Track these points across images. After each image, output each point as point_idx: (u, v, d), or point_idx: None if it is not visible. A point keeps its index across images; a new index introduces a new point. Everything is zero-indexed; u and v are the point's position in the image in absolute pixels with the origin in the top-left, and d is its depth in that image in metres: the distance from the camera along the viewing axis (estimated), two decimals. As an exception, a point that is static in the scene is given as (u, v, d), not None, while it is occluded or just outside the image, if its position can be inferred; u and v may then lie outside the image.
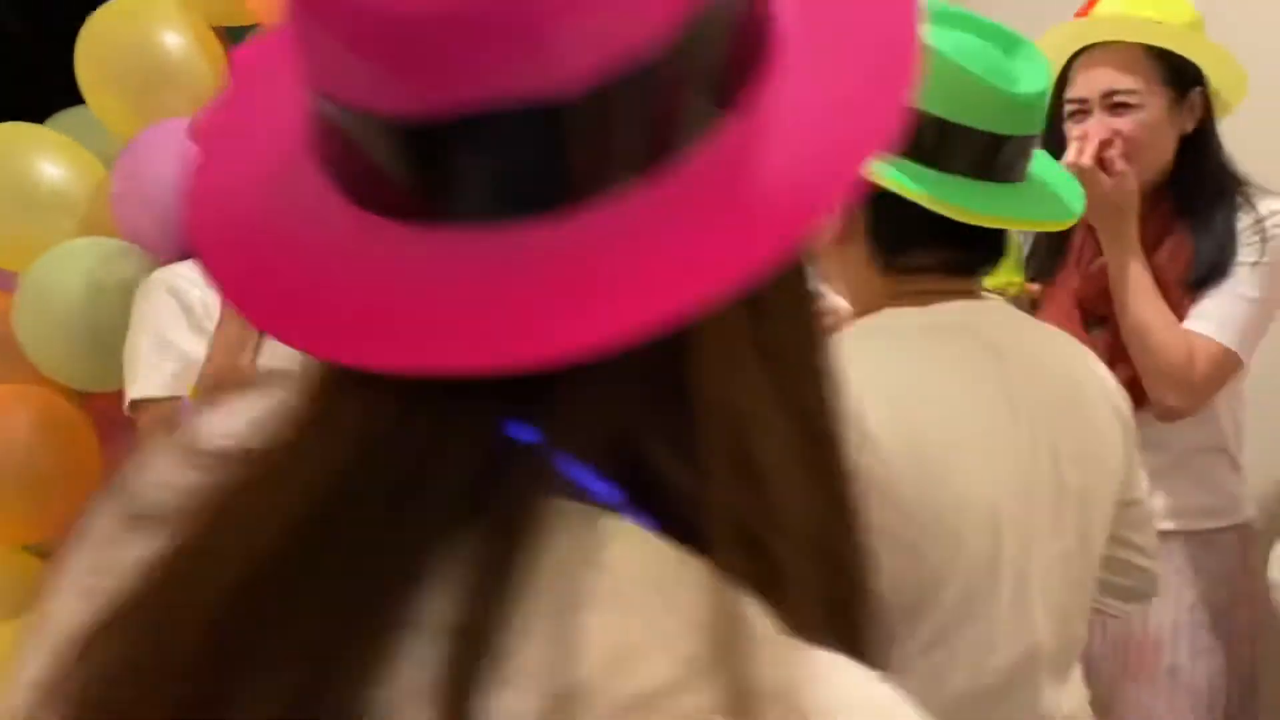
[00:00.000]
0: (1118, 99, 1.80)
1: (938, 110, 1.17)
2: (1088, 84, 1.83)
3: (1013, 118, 1.18)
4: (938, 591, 1.16)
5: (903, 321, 1.22)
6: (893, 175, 1.17)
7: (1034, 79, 1.19)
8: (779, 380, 0.48)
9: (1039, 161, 1.27)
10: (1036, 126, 1.22)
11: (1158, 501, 1.89)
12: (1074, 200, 1.29)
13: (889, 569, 1.13)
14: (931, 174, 1.17)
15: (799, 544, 0.46)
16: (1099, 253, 1.86)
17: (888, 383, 1.16)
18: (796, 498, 0.47)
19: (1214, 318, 1.80)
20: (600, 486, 0.44)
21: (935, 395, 1.19)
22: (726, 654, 0.40)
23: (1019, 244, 1.87)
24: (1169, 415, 1.81)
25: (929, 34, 1.17)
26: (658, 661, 0.41)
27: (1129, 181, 1.76)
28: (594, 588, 0.42)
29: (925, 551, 1.16)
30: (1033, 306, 1.90)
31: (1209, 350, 1.79)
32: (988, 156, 1.19)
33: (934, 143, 1.17)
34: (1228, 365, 1.81)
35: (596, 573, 0.42)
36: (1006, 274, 1.84)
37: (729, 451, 0.45)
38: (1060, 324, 1.87)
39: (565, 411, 0.43)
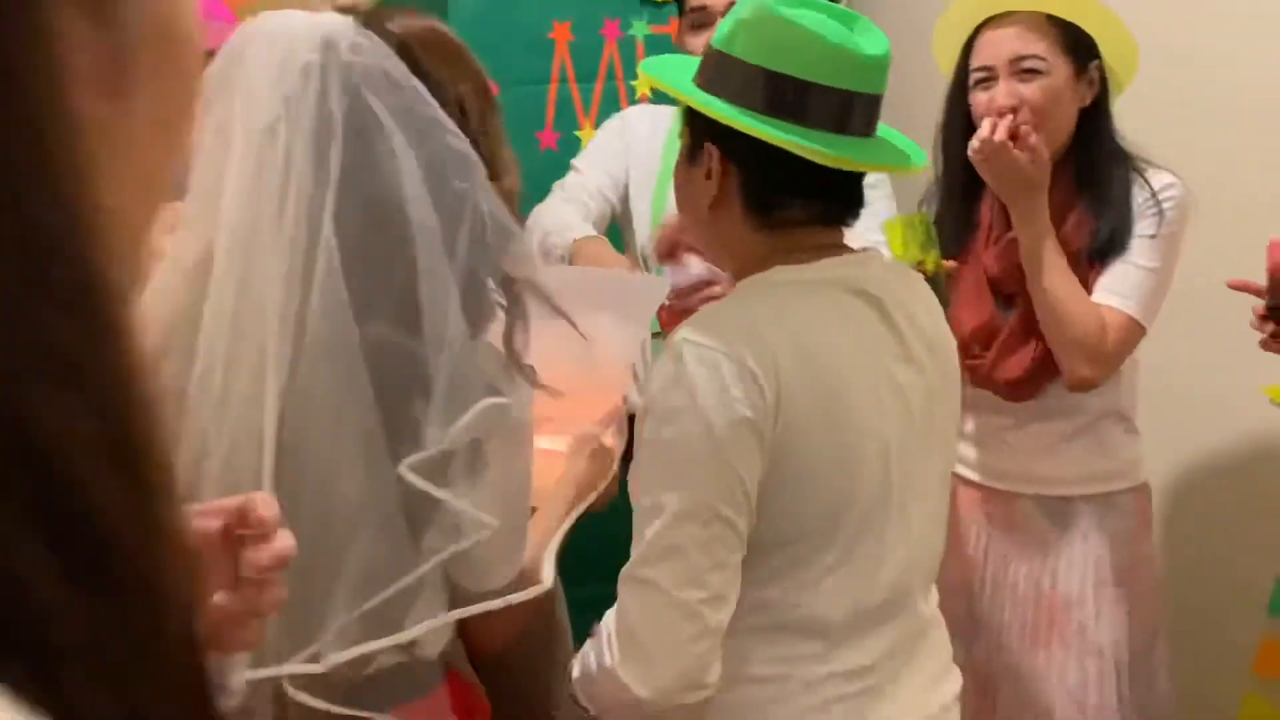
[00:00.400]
0: (1025, 65, 1.83)
1: (798, 72, 1.27)
2: (994, 52, 1.86)
3: (863, 76, 1.28)
4: (840, 519, 1.29)
5: (795, 276, 1.30)
6: (762, 128, 1.26)
7: (876, 45, 1.30)
8: None
9: (881, 127, 1.37)
10: (882, 86, 1.32)
11: (1063, 469, 1.96)
12: (915, 154, 1.39)
13: (803, 505, 1.26)
14: (795, 128, 1.26)
15: None
16: (1007, 228, 1.91)
17: (794, 333, 1.26)
18: None
19: (1120, 290, 1.86)
20: None
21: (832, 344, 1.28)
22: None
23: (929, 221, 1.92)
24: (1083, 385, 1.87)
25: (783, 12, 1.27)
26: None
27: (1042, 156, 1.79)
28: None
29: (832, 486, 1.28)
30: (947, 282, 1.95)
31: (1118, 322, 1.84)
32: (843, 112, 1.28)
33: (795, 101, 1.27)
34: (1136, 335, 1.87)
35: None
36: (920, 251, 1.89)
37: None
38: (973, 303, 1.95)
39: None
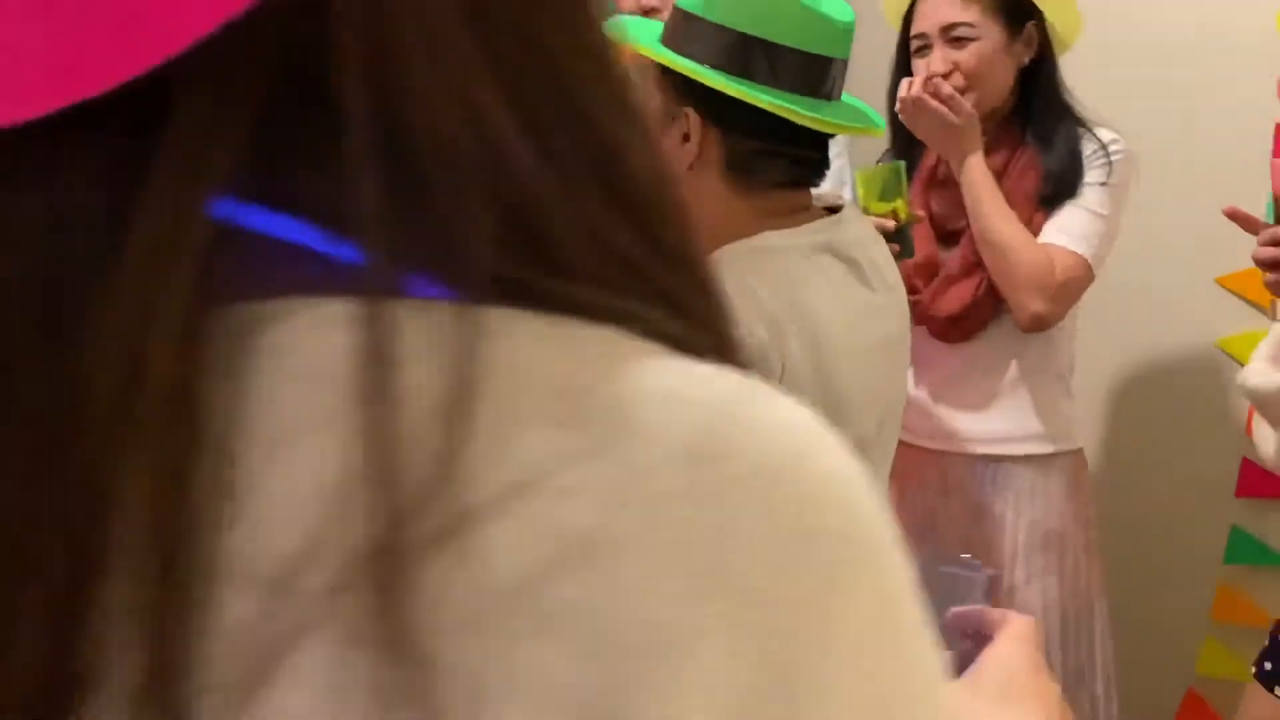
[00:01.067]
0: (956, 33, 1.89)
1: (776, 37, 1.28)
2: (929, 20, 1.92)
3: (836, 42, 1.31)
4: None
5: (784, 242, 1.32)
6: (745, 90, 1.27)
7: (845, 11, 1.33)
8: (503, 57, 0.33)
9: None
10: (849, 51, 1.35)
11: (994, 425, 1.98)
12: (874, 116, 1.43)
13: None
14: (773, 92, 1.28)
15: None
16: (949, 171, 1.95)
17: (794, 304, 1.28)
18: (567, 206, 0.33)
19: (1068, 231, 1.89)
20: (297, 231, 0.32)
21: (824, 314, 1.30)
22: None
23: (900, 170, 1.92)
24: (1036, 324, 1.89)
25: None
26: None
27: (960, 104, 1.84)
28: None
29: None
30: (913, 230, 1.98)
31: (1066, 260, 1.87)
32: (818, 76, 1.30)
33: (772, 65, 1.28)
34: (1084, 275, 1.89)
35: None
36: (888, 200, 1.91)
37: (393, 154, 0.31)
38: (921, 244, 1.98)
39: (194, 130, 0.30)
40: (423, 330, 0.30)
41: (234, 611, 0.28)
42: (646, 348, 0.32)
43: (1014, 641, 0.69)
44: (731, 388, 0.32)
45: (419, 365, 0.29)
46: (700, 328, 0.36)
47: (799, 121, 1.26)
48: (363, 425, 0.28)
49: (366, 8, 0.31)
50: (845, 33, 1.32)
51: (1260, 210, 1.70)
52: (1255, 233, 1.63)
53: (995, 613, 0.71)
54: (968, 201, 1.90)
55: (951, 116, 1.84)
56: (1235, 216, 1.67)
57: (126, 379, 0.29)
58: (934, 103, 1.84)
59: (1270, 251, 1.61)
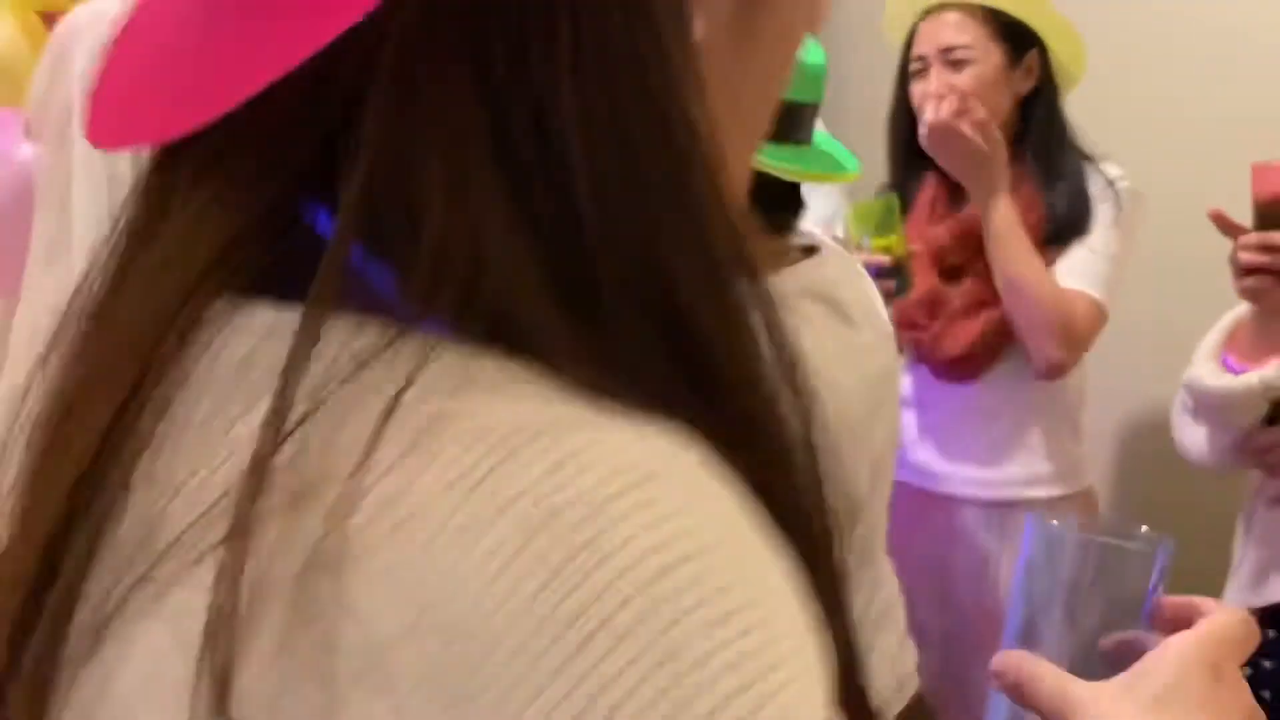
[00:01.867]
0: (954, 55, 1.85)
1: None
2: (928, 41, 1.89)
3: (810, 86, 1.27)
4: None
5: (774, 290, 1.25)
6: None
7: (816, 54, 1.28)
8: (602, 90, 0.34)
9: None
10: (821, 95, 1.30)
11: (1004, 471, 1.92)
12: (846, 160, 1.37)
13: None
14: None
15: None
16: (949, 205, 1.91)
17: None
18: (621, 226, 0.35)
19: (1082, 273, 1.83)
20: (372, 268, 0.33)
21: (809, 358, 1.22)
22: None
23: (892, 205, 1.86)
24: (1053, 371, 1.83)
25: None
26: None
27: (991, 131, 1.77)
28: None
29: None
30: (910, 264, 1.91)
31: (1083, 304, 1.82)
32: (793, 122, 1.26)
33: None
34: (1099, 319, 1.85)
35: None
36: (889, 238, 1.83)
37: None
38: (922, 276, 1.90)
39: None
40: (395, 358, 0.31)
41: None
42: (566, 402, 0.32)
43: (1197, 639, 0.60)
44: (530, 420, 0.31)
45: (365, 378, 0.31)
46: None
47: (770, 171, 1.22)
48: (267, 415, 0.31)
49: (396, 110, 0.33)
50: (816, 77, 1.28)
51: None
52: (1234, 237, 1.58)
53: (1198, 602, 0.63)
54: (991, 236, 1.82)
55: (982, 144, 1.76)
56: (1218, 220, 1.61)
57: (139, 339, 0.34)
58: (967, 129, 1.76)
59: (1249, 256, 1.55)
